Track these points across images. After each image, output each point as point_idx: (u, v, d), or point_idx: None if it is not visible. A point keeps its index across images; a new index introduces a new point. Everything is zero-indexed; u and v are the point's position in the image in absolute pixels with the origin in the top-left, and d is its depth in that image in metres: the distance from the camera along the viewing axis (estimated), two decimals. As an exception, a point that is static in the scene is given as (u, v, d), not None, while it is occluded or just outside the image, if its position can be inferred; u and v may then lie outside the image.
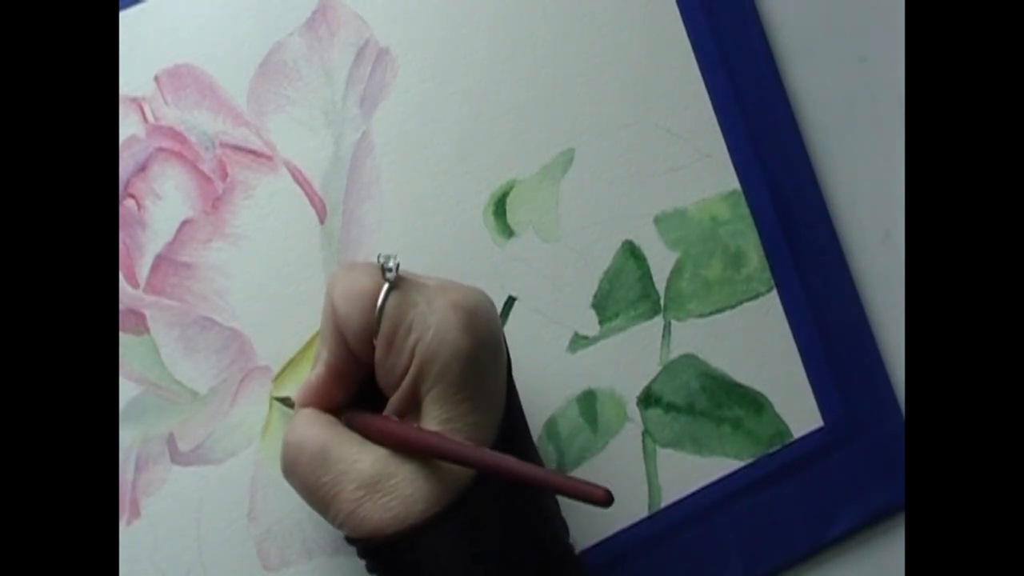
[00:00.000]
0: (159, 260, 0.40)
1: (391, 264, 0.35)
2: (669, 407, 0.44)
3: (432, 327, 0.35)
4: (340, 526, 0.35)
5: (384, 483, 0.34)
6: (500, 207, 0.43)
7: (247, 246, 0.41)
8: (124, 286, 0.40)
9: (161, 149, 0.41)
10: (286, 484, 0.37)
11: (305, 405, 0.37)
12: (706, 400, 0.44)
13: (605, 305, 0.44)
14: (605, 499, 0.31)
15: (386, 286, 0.35)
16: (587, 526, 0.43)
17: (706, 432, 0.44)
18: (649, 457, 0.44)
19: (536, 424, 0.43)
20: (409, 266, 0.42)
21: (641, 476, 0.44)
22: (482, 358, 0.35)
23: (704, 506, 0.44)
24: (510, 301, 0.43)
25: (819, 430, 0.45)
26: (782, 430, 0.45)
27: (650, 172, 0.44)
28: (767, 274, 0.45)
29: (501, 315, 0.43)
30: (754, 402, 0.45)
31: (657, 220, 0.44)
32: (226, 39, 0.41)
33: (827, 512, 0.45)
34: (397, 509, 0.34)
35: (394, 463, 0.35)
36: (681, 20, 0.45)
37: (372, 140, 0.42)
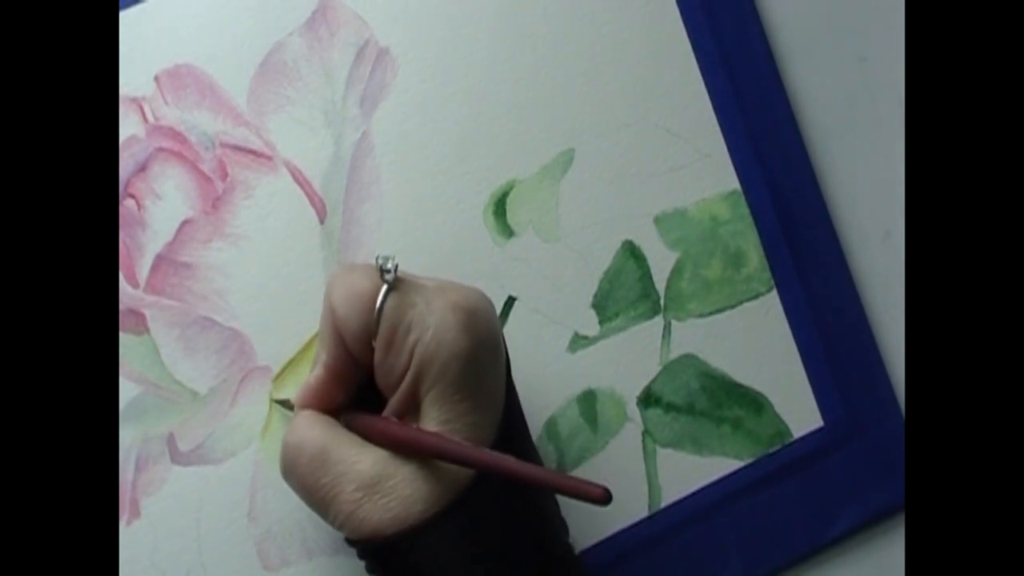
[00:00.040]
0: (159, 260, 0.40)
1: (389, 265, 0.35)
2: (669, 407, 0.44)
3: (431, 328, 0.35)
4: (340, 527, 0.35)
5: (383, 484, 0.34)
6: (500, 207, 0.43)
7: (247, 246, 0.41)
8: (124, 286, 0.40)
9: (161, 149, 0.41)
10: (286, 484, 0.37)
11: (304, 407, 0.37)
12: (706, 400, 0.44)
13: (605, 305, 0.44)
14: (604, 497, 0.31)
15: (384, 287, 0.35)
16: (587, 526, 0.43)
17: (706, 432, 0.44)
18: (649, 457, 0.44)
19: (536, 424, 0.43)
20: (409, 266, 0.42)
21: (641, 476, 0.44)
22: (481, 358, 0.35)
23: (704, 506, 0.44)
24: (510, 301, 0.43)
25: (819, 430, 0.45)
26: (782, 430, 0.45)
27: (650, 172, 0.44)
28: (767, 274, 0.45)
29: (501, 315, 0.43)
30: (754, 402, 0.45)
31: (657, 220, 0.44)
32: (226, 39, 0.41)
33: (827, 512, 0.45)
34: (397, 510, 0.34)
35: (393, 464, 0.35)
36: (681, 20, 0.45)
37: (372, 140, 0.42)
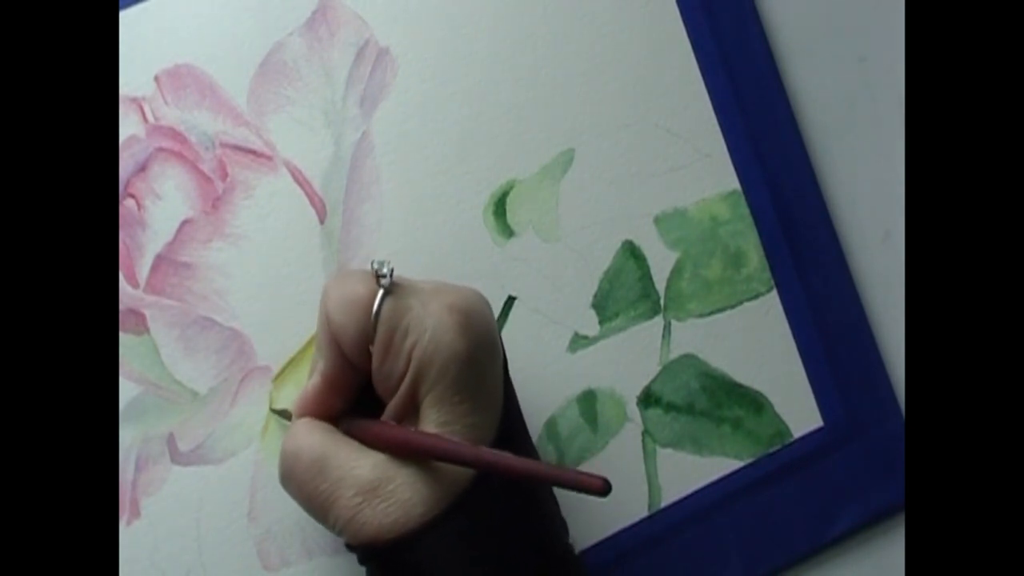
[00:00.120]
0: (159, 260, 0.40)
1: (385, 270, 0.35)
2: (669, 407, 0.44)
3: (428, 330, 0.35)
4: (339, 533, 0.35)
5: (383, 488, 0.34)
6: (500, 207, 0.43)
7: (247, 246, 0.41)
8: (124, 286, 0.40)
9: (161, 149, 0.41)
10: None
11: (302, 416, 0.37)
12: (706, 400, 0.44)
13: (605, 305, 0.44)
14: (603, 488, 0.31)
15: (381, 292, 0.35)
16: (587, 526, 0.43)
17: (706, 432, 0.44)
18: (649, 457, 0.44)
19: (536, 424, 0.43)
20: (409, 266, 0.42)
21: (641, 476, 0.44)
22: (479, 359, 0.35)
23: (704, 506, 0.44)
24: (510, 301, 0.43)
25: (819, 430, 0.45)
26: (782, 430, 0.45)
27: (650, 172, 0.44)
28: (767, 274, 0.45)
29: (501, 315, 0.43)
30: (754, 402, 0.45)
31: (657, 220, 0.44)
32: (226, 39, 0.41)
33: (827, 512, 0.45)
34: (396, 514, 0.34)
35: (392, 467, 0.35)
36: (681, 20, 0.45)
37: (372, 140, 0.42)
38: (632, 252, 0.44)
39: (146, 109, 0.41)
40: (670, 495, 0.44)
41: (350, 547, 0.36)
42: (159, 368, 0.40)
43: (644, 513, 0.43)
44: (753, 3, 0.46)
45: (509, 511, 0.35)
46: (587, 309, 0.44)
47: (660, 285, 0.44)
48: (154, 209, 0.41)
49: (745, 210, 0.45)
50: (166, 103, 0.41)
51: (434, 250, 0.42)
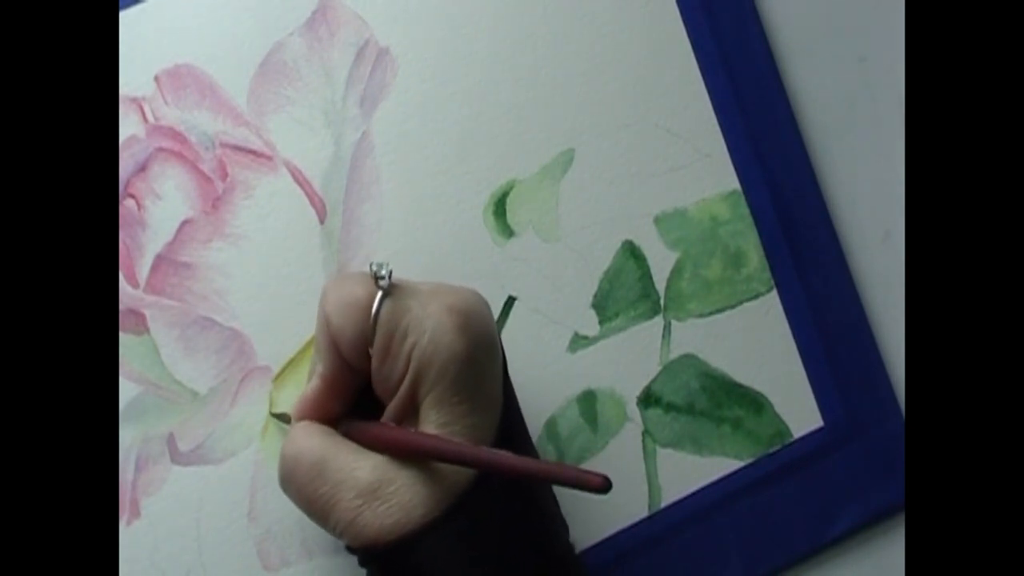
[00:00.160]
0: (159, 260, 0.40)
1: (383, 272, 0.35)
2: (669, 407, 0.44)
3: (428, 331, 0.35)
4: (340, 535, 0.35)
5: (383, 490, 0.34)
6: (500, 207, 0.43)
7: (247, 246, 0.41)
8: (124, 286, 0.40)
9: (161, 149, 0.41)
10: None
11: (302, 419, 0.37)
12: (706, 400, 0.44)
13: (605, 305, 0.44)
14: (603, 486, 0.31)
15: (379, 294, 0.35)
16: (587, 526, 0.43)
17: (706, 432, 0.44)
18: (649, 457, 0.44)
19: (536, 424, 0.43)
20: (409, 266, 0.42)
21: (641, 476, 0.44)
22: (479, 359, 0.35)
23: (704, 506, 0.44)
24: (510, 301, 0.43)
25: (819, 430, 0.45)
26: (782, 430, 0.45)
27: (650, 172, 0.44)
28: (767, 274, 0.45)
29: (501, 315, 0.43)
30: (754, 402, 0.45)
31: (657, 220, 0.44)
32: (226, 39, 0.41)
33: (827, 512, 0.45)
34: (397, 516, 0.34)
35: (392, 469, 0.35)
36: (681, 20, 0.45)
37: (372, 140, 0.42)
38: (632, 252, 0.44)
39: (146, 109, 0.41)
40: (670, 495, 0.44)
41: (351, 550, 0.36)
42: (159, 368, 0.40)
43: (644, 513, 0.43)
44: (753, 3, 0.46)
45: (509, 511, 0.35)
46: (587, 309, 0.44)
47: (660, 285, 0.44)
48: (154, 209, 0.41)
49: (745, 210, 0.45)
50: (166, 103, 0.41)
51: (434, 250, 0.42)
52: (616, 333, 0.44)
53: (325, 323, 0.36)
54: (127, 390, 0.40)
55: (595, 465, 0.43)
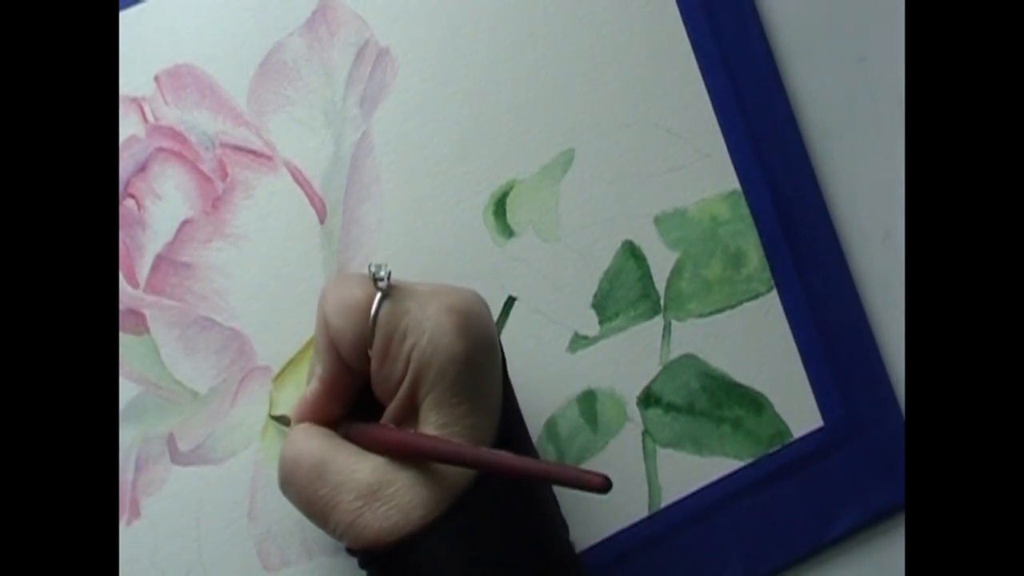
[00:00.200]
0: (159, 260, 0.40)
1: (382, 273, 0.35)
2: (669, 407, 0.44)
3: (427, 332, 0.35)
4: (340, 537, 0.35)
5: (383, 491, 0.34)
6: (500, 207, 0.43)
7: (247, 246, 0.41)
8: (124, 286, 0.40)
9: (161, 149, 0.41)
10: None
11: (301, 421, 0.37)
12: (706, 400, 0.44)
13: (605, 305, 0.44)
14: (603, 485, 0.31)
15: (379, 295, 0.35)
16: (587, 526, 0.43)
17: (706, 432, 0.44)
18: (649, 457, 0.44)
19: (536, 424, 0.43)
20: (409, 266, 0.42)
21: (641, 476, 0.44)
22: (478, 360, 0.35)
23: (704, 506, 0.44)
24: (510, 301, 0.43)
25: (819, 430, 0.45)
26: (782, 430, 0.45)
27: (650, 172, 0.44)
28: (767, 274, 0.45)
29: (501, 315, 0.43)
30: (754, 402, 0.45)
31: (657, 220, 0.44)
32: (226, 39, 0.41)
33: (827, 512, 0.45)
34: (396, 517, 0.34)
35: (392, 470, 0.35)
36: (681, 20, 0.45)
37: (372, 140, 0.42)
38: (632, 252, 0.44)
39: (146, 109, 0.41)
40: (670, 495, 0.44)
41: (351, 551, 0.36)
42: (159, 368, 0.40)
43: (644, 513, 0.43)
44: (753, 3, 0.46)
45: (509, 512, 0.35)
46: (587, 309, 0.44)
47: (660, 285, 0.44)
48: (154, 209, 0.41)
49: (745, 210, 0.45)
50: (166, 103, 0.41)
51: (434, 250, 0.42)
52: (616, 333, 0.44)
53: (324, 325, 0.36)
54: (127, 390, 0.40)
55: (595, 465, 0.43)
